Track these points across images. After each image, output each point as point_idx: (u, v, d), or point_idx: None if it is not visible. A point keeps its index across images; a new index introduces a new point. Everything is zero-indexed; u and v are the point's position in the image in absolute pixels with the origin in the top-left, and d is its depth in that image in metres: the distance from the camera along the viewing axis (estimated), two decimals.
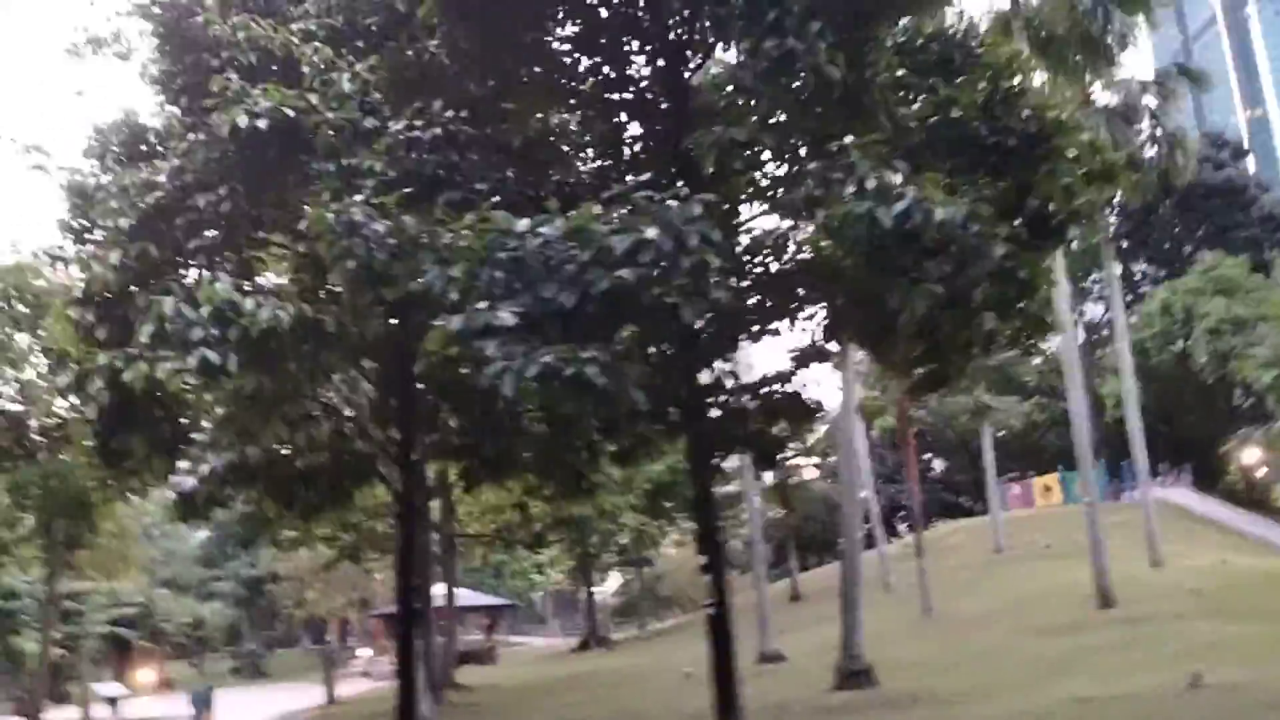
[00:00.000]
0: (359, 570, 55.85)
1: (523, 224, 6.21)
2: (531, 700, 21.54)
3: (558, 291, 5.97)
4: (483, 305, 6.03)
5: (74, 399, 10.16)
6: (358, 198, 7.49)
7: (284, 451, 11.99)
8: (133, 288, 9.69)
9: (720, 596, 8.70)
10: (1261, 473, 50.02)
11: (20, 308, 24.91)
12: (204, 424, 10.45)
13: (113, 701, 34.90)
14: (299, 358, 8.97)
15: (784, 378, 10.41)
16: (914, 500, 30.31)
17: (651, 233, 5.92)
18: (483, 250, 6.32)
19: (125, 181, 9.81)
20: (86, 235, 11.11)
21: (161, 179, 9.59)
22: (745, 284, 8.92)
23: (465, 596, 48.08)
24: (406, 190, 7.14)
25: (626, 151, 8.98)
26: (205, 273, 8.99)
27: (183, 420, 10.28)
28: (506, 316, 5.89)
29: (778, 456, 11.20)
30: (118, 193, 9.62)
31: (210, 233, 9.62)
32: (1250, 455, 48.93)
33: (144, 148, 11.49)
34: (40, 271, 25.58)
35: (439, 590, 47.60)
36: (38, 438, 25.86)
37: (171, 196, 9.54)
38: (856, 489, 18.08)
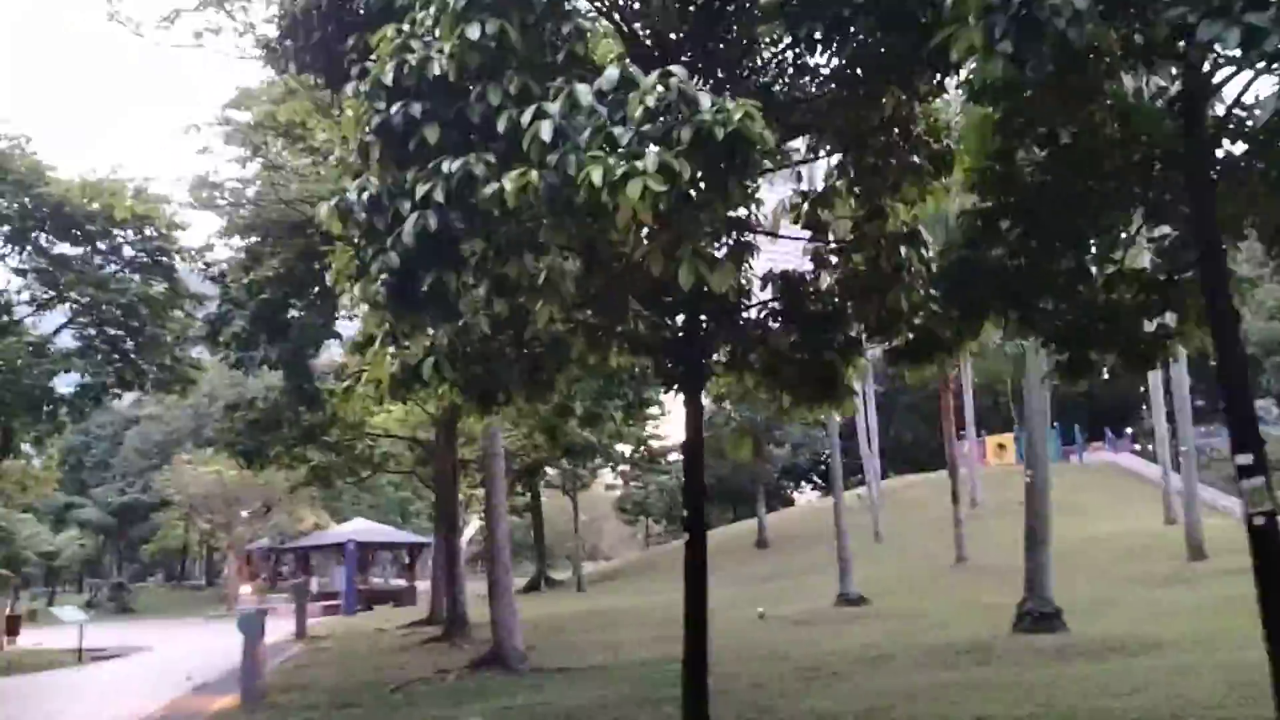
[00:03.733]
0: (233, 501, 52.36)
1: None
2: (589, 636, 19.71)
3: None
4: None
5: (352, 229, 7.80)
6: None
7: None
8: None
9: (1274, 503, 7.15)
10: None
11: None
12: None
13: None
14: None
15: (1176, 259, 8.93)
16: (951, 445, 29.68)
17: None
18: None
19: None
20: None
21: None
22: None
23: (381, 532, 45.50)
24: None
25: None
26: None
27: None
28: None
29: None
30: None
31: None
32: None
33: None
34: None
35: (354, 526, 44.96)
36: None
37: None
38: (1044, 416, 16.85)
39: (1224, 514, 34.78)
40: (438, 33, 7.45)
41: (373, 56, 7.70)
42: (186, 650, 23.97)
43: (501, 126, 7.12)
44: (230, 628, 33.13)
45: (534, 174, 6.78)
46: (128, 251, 23.75)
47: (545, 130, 6.71)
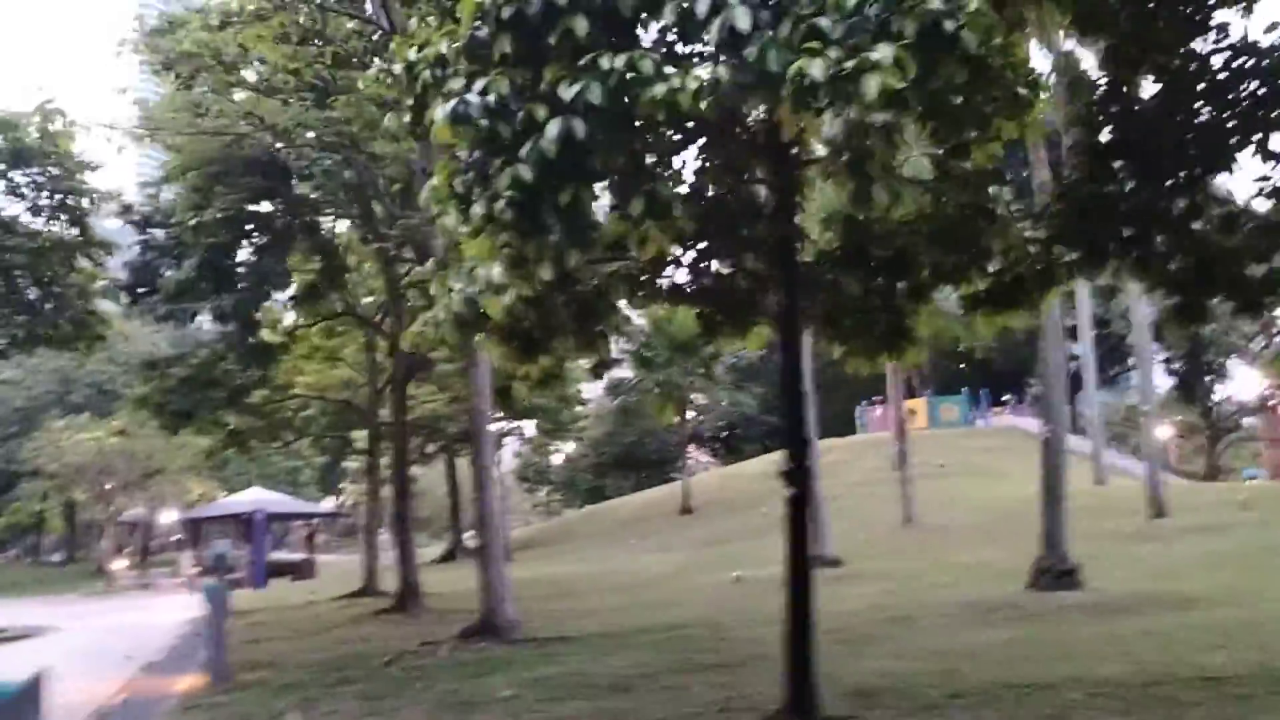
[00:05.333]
0: (109, 471, 49.19)
1: None
2: (556, 604, 18.87)
3: None
4: None
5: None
6: None
7: None
8: None
9: None
10: None
11: None
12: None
13: None
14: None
15: None
16: (899, 409, 29.70)
17: None
18: None
19: None
20: None
21: None
22: None
23: (285, 502, 43.48)
24: None
25: None
26: None
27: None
28: None
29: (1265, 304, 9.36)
30: None
31: None
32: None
33: None
34: None
35: (252, 496, 42.66)
36: None
37: None
38: (1061, 371, 16.57)
39: (1122, 474, 36.02)
40: None
41: None
42: (102, 629, 22.07)
43: (668, 17, 6.26)
44: (119, 605, 31.01)
45: (723, 70, 5.94)
46: (29, 193, 21.54)
47: (742, 18, 5.86)
